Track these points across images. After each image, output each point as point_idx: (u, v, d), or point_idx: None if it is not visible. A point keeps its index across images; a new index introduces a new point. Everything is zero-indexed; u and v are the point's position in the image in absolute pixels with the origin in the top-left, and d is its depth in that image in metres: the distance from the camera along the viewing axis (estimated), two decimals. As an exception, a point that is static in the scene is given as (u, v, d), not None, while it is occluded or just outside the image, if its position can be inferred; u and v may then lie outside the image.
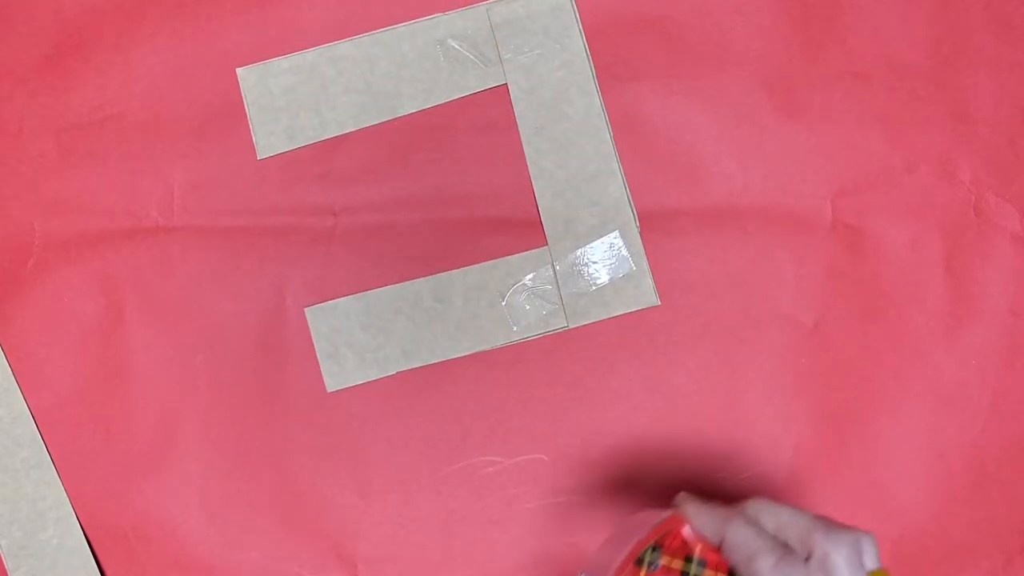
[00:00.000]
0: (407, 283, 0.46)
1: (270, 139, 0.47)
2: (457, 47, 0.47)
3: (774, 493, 0.44)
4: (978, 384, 0.45)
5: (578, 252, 0.46)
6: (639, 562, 0.34)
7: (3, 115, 0.47)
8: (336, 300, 0.46)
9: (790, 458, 0.45)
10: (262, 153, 0.46)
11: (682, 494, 0.36)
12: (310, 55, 0.47)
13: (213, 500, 0.45)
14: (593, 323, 0.46)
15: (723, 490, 0.45)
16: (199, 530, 0.45)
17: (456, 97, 0.47)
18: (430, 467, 0.45)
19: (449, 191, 0.46)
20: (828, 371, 0.45)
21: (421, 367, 0.46)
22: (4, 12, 0.48)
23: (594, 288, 0.46)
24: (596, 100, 0.47)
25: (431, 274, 0.46)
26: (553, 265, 0.46)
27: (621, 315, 0.46)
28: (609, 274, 0.46)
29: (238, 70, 0.46)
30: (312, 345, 0.46)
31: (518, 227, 0.46)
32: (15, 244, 0.47)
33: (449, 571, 0.44)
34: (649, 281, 0.46)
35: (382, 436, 0.45)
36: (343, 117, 0.47)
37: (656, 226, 0.46)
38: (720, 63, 0.47)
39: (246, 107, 0.47)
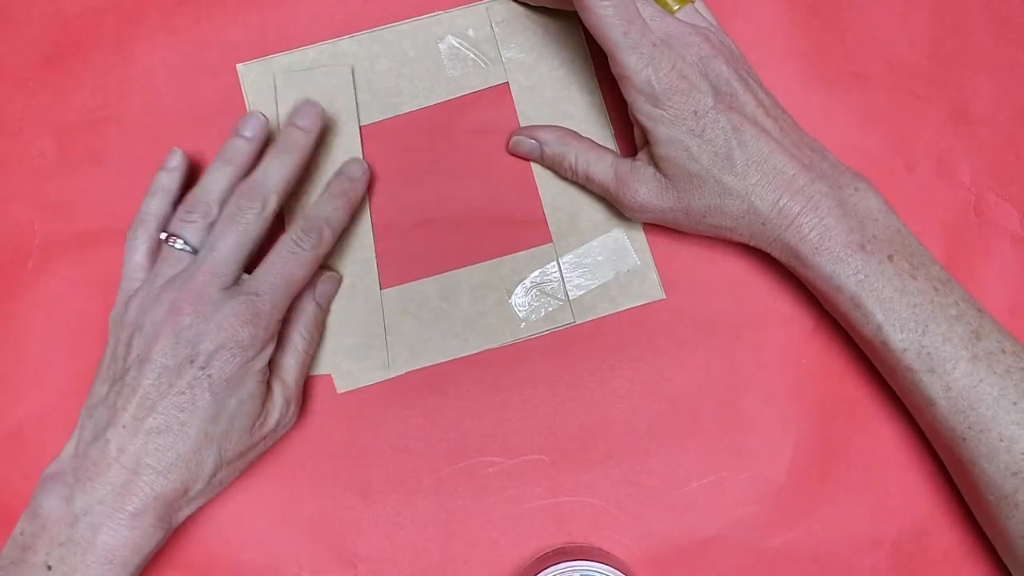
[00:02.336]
0: (413, 283, 0.46)
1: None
2: (458, 45, 0.47)
3: (774, 493, 0.44)
4: (978, 384, 0.45)
5: (583, 248, 0.46)
6: None
7: (3, 115, 0.47)
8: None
9: (790, 458, 0.45)
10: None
11: None
12: (311, 52, 0.47)
13: (213, 500, 0.45)
14: (593, 323, 0.46)
15: (723, 490, 0.45)
16: (199, 530, 0.45)
17: (457, 96, 0.47)
18: (430, 467, 0.45)
19: (451, 190, 0.47)
20: (828, 371, 0.45)
21: (421, 368, 0.46)
22: (4, 12, 0.48)
23: (600, 284, 0.46)
24: (598, 98, 0.47)
25: (436, 273, 0.46)
26: (558, 262, 0.46)
27: (621, 315, 0.46)
28: (614, 269, 0.46)
29: (238, 66, 0.47)
30: (312, 345, 0.46)
31: (522, 224, 0.46)
32: (15, 244, 0.47)
33: (449, 571, 0.44)
34: (654, 275, 0.46)
35: (382, 436, 0.45)
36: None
37: (656, 226, 0.46)
38: (720, 63, 0.47)
39: (246, 104, 0.47)
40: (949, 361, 0.38)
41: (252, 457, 0.42)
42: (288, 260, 0.41)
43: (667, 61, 0.39)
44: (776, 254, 0.42)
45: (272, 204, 0.41)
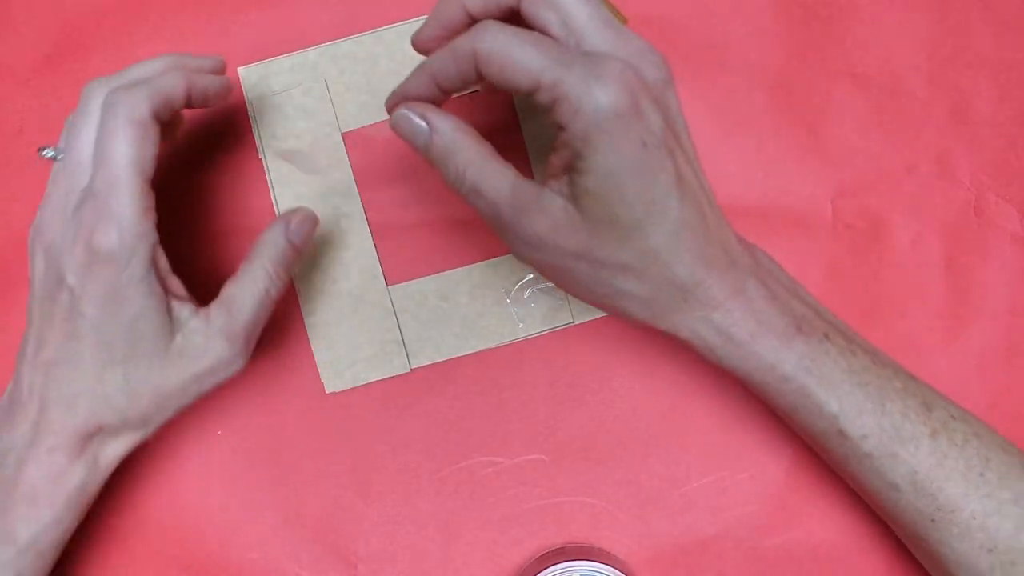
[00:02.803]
0: (412, 282, 0.46)
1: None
2: (458, 46, 0.47)
3: (774, 492, 0.44)
4: (978, 384, 0.45)
5: (582, 248, 0.46)
6: None
7: (3, 115, 0.47)
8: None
9: (790, 458, 0.45)
10: (263, 152, 0.46)
11: None
12: (311, 54, 0.47)
13: (213, 500, 0.45)
14: (592, 323, 0.46)
15: (723, 490, 0.45)
16: (199, 530, 0.45)
17: (457, 95, 0.47)
18: (430, 467, 0.45)
19: (451, 189, 0.46)
20: (828, 371, 0.45)
21: (420, 368, 0.46)
22: (4, 12, 0.48)
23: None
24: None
25: (435, 273, 0.46)
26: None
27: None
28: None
29: (239, 69, 0.46)
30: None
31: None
32: (15, 244, 0.47)
33: (449, 571, 0.44)
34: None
35: (382, 436, 0.45)
36: (344, 115, 0.47)
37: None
38: (720, 63, 0.47)
39: (247, 107, 0.47)
40: (911, 441, 0.35)
41: (184, 399, 0.37)
42: (109, 139, 0.34)
43: (618, 74, 0.31)
44: (696, 339, 0.36)
45: (110, 84, 0.36)
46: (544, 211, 0.33)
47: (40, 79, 0.47)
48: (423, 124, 0.35)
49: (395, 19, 0.47)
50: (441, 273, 0.46)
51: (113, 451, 0.38)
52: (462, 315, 0.46)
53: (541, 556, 0.43)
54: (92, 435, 0.37)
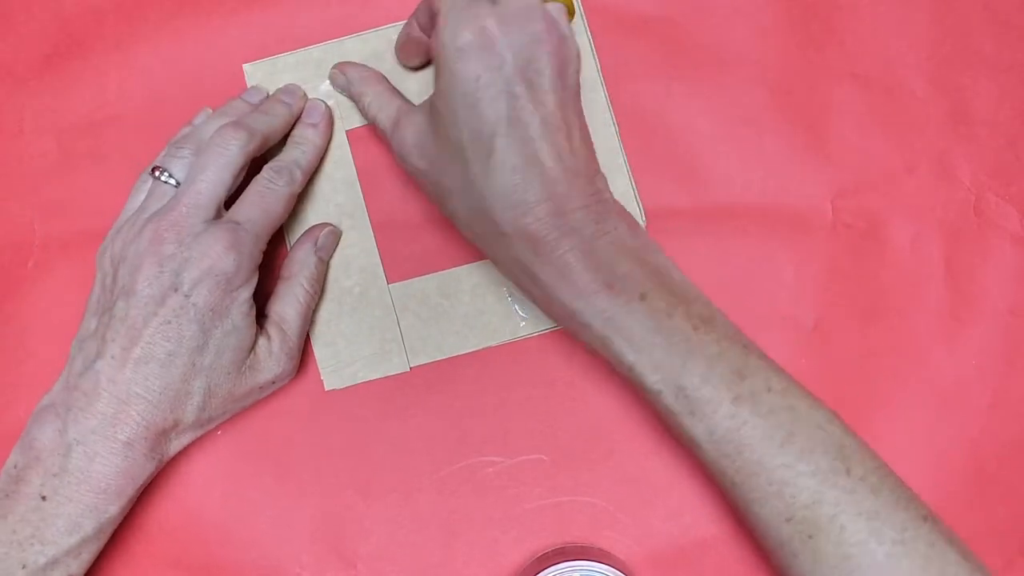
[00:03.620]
0: (414, 280, 0.46)
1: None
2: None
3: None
4: (978, 384, 0.45)
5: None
6: None
7: (3, 115, 0.47)
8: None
9: (790, 458, 0.45)
10: (265, 150, 0.46)
11: None
12: (315, 51, 0.47)
13: (213, 500, 0.45)
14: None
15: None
16: (199, 530, 0.45)
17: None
18: (430, 467, 0.45)
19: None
20: (828, 371, 0.45)
21: (420, 367, 0.46)
22: (4, 12, 0.48)
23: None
24: (602, 95, 0.47)
25: (437, 271, 0.46)
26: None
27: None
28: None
29: (244, 66, 0.46)
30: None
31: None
32: (15, 244, 0.47)
33: (449, 571, 0.44)
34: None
35: (382, 436, 0.45)
36: (348, 114, 0.47)
37: (656, 226, 0.46)
38: (720, 63, 0.47)
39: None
40: (709, 404, 0.35)
41: (245, 403, 0.42)
42: (264, 195, 0.41)
43: (479, 15, 0.35)
44: (511, 275, 0.39)
45: (256, 141, 0.41)
46: (412, 124, 0.40)
47: (40, 79, 0.47)
48: (344, 77, 0.45)
49: (398, 17, 0.47)
50: (442, 271, 0.46)
51: (176, 448, 0.41)
52: (463, 313, 0.46)
53: (541, 556, 0.43)
54: (168, 431, 0.39)
